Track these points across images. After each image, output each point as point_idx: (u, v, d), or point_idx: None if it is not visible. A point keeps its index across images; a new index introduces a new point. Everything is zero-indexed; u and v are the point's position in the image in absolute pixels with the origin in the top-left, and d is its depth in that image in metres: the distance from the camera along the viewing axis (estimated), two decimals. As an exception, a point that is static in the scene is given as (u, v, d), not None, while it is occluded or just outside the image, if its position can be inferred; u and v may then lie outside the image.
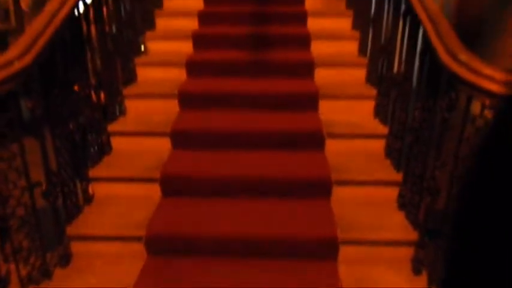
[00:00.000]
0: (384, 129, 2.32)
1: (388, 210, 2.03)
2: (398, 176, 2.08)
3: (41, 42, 1.63)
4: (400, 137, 2.12)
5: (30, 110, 1.64)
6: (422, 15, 1.83)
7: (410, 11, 1.98)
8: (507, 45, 3.92)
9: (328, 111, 2.48)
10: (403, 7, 2.11)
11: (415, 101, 1.93)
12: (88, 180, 2.11)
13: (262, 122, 2.35)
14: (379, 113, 2.43)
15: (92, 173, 2.14)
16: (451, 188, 1.63)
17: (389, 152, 2.23)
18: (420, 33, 1.90)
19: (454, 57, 1.54)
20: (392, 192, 2.09)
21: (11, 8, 4.79)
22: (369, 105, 2.51)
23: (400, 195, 2.04)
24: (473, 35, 4.75)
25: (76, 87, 2.06)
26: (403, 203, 2.02)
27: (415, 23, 1.94)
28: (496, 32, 4.26)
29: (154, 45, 2.99)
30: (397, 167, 2.13)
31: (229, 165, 2.15)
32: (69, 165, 1.93)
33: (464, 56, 1.51)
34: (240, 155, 2.23)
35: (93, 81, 2.23)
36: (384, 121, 2.37)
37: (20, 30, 4.82)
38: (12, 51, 1.53)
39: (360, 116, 2.49)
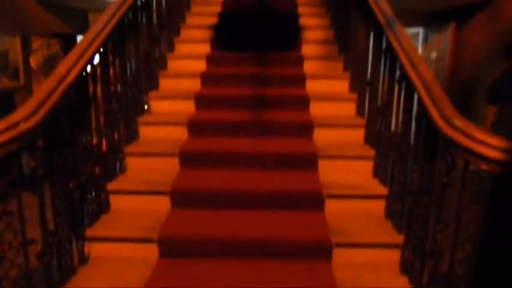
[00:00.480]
0: (383, 190, 2.32)
1: (391, 274, 1.98)
2: (400, 238, 2.05)
3: (48, 106, 1.67)
4: (399, 198, 2.12)
5: (32, 169, 1.66)
6: (416, 82, 1.89)
7: (404, 77, 2.05)
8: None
9: (328, 171, 2.50)
10: (398, 73, 2.19)
11: (413, 163, 1.94)
12: (84, 239, 2.07)
13: (262, 183, 2.35)
14: (378, 173, 2.44)
15: (89, 232, 2.11)
16: (454, 250, 1.60)
17: (390, 213, 2.22)
18: (415, 98, 1.96)
19: (449, 122, 1.57)
20: (395, 255, 2.05)
21: (21, 66, 4.98)
22: (368, 165, 2.53)
23: (403, 259, 2.00)
24: (467, 96, 4.90)
25: (78, 145, 2.09)
26: (405, 267, 1.97)
27: (410, 88, 2.00)
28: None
29: (157, 105, 3.08)
30: (399, 228, 2.10)
31: (228, 226, 2.12)
32: (66, 224, 1.91)
33: (458, 121, 1.55)
34: (239, 215, 2.21)
35: (95, 138, 2.26)
36: (383, 181, 2.38)
37: (27, 87, 4.98)
38: (19, 113, 1.57)
39: (359, 176, 2.50)
